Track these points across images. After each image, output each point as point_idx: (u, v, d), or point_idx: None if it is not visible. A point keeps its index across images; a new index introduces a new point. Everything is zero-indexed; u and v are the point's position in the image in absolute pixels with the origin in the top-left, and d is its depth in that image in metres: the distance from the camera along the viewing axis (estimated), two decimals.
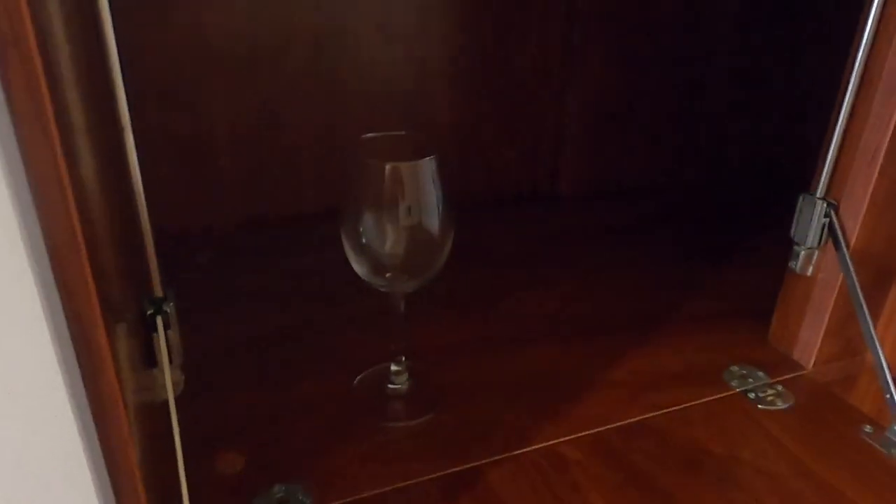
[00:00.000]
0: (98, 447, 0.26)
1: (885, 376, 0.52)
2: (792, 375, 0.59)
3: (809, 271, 0.58)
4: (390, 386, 0.55)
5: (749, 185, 1.01)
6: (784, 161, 0.99)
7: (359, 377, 0.56)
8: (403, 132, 0.48)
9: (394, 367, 0.55)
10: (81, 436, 0.26)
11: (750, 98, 0.98)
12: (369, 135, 0.47)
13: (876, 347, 0.52)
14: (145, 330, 0.38)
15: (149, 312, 0.37)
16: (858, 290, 0.53)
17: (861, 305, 0.53)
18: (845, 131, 0.53)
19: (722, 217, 0.92)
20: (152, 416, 0.38)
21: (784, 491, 0.47)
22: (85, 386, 0.25)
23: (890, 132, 0.51)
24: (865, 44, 0.50)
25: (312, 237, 0.78)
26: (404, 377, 0.55)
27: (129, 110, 0.37)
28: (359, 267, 0.49)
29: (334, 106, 0.79)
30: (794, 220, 0.57)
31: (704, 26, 0.91)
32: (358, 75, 0.79)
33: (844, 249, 0.54)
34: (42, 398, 0.25)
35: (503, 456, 0.49)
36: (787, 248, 0.59)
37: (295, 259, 0.76)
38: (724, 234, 0.86)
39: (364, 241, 0.48)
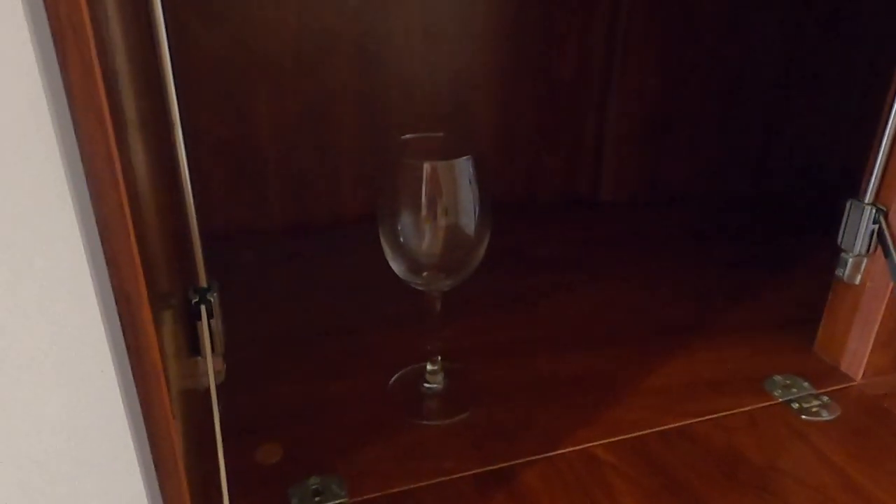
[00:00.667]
0: (143, 424, 0.27)
1: None
2: (839, 387, 0.57)
3: (858, 280, 0.56)
4: (426, 385, 0.56)
5: (794, 192, 0.98)
6: (830, 167, 0.97)
7: (395, 376, 0.57)
8: (442, 133, 0.49)
9: (429, 367, 0.55)
10: (126, 413, 0.27)
11: (793, 104, 0.96)
12: (408, 136, 0.48)
13: None
14: (190, 319, 0.39)
15: (193, 301, 0.39)
16: None
17: None
18: (895, 136, 0.51)
19: (766, 224, 0.90)
20: (194, 402, 0.39)
21: (824, 498, 0.45)
22: (131, 363, 0.26)
23: None
24: None
25: (353, 239, 0.80)
26: (440, 376, 0.55)
27: (179, 111, 0.38)
28: (396, 265, 0.50)
29: (376, 110, 0.80)
30: (842, 227, 0.56)
31: (745, 33, 0.89)
32: (400, 80, 0.80)
33: (895, 257, 0.52)
34: (90, 375, 0.26)
35: (537, 457, 0.49)
36: (834, 256, 0.57)
37: (335, 259, 0.77)
38: (769, 241, 0.85)
39: (401, 239, 0.49)
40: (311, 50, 0.76)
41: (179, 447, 0.29)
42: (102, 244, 0.23)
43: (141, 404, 0.27)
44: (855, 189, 0.55)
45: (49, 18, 0.20)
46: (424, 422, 0.53)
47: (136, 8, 0.34)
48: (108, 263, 0.23)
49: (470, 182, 0.46)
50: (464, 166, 0.46)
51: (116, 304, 0.25)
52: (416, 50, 0.80)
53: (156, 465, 0.27)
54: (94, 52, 0.20)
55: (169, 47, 0.36)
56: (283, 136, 0.79)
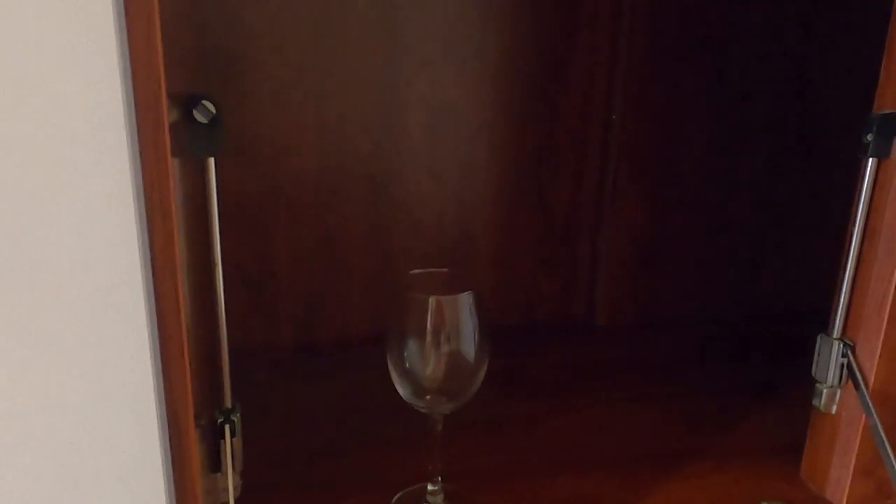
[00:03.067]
0: None
1: None
2: None
3: (833, 409, 0.60)
4: None
5: (779, 321, 1.03)
6: (812, 296, 1.02)
7: (397, 496, 0.59)
8: (446, 269, 0.55)
9: (430, 487, 0.58)
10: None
11: (775, 234, 1.03)
12: (416, 271, 0.54)
13: None
14: (213, 436, 0.43)
15: (219, 420, 0.43)
16: (881, 430, 0.55)
17: (885, 446, 0.55)
18: (854, 278, 0.57)
19: (753, 352, 0.94)
20: None
21: None
22: (174, 478, 0.30)
23: (895, 282, 0.55)
24: (863, 203, 0.56)
25: (360, 361, 0.84)
26: (440, 497, 0.58)
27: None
28: (402, 389, 0.54)
29: (386, 241, 0.88)
30: (815, 359, 0.60)
31: (725, 173, 0.98)
32: (408, 215, 0.88)
33: (864, 389, 0.56)
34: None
35: None
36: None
37: (342, 380, 0.81)
38: (756, 367, 0.88)
39: (407, 365, 0.54)
40: (328, 188, 0.84)
41: None
42: (164, 382, 0.28)
43: None
44: (824, 323, 0.60)
45: (145, 202, 0.26)
46: None
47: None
48: (165, 395, 0.28)
49: (471, 314, 0.52)
50: (466, 300, 0.51)
51: (168, 427, 0.29)
52: (423, 188, 0.88)
53: None
54: (175, 229, 0.26)
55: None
56: (297, 265, 0.85)
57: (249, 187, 0.81)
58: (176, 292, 0.27)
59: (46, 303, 0.26)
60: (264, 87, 0.80)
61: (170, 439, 0.29)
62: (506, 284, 0.95)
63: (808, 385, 0.64)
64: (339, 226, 0.86)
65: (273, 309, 0.87)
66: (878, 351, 0.56)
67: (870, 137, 0.54)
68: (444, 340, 0.52)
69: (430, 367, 0.53)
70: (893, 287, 0.55)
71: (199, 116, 0.37)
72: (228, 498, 0.41)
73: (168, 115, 0.27)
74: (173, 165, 0.29)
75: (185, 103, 0.36)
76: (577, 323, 1.00)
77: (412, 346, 0.52)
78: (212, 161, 0.41)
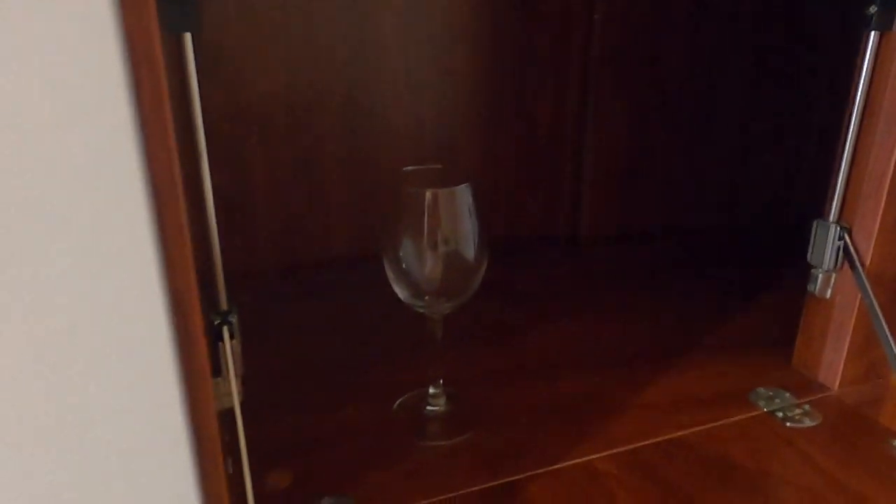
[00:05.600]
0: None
1: None
2: (818, 396, 0.60)
3: (828, 294, 0.60)
4: (428, 408, 0.57)
5: (761, 229, 1.04)
6: (795, 198, 1.03)
7: (398, 401, 0.59)
8: (440, 165, 0.53)
9: (432, 390, 0.57)
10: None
11: (760, 147, 1.03)
12: (410, 167, 0.52)
13: (894, 352, 0.54)
14: (212, 340, 0.41)
15: (216, 322, 0.41)
16: (877, 307, 0.56)
17: (881, 323, 0.56)
18: (852, 159, 0.57)
19: (738, 254, 0.95)
20: None
21: (816, 502, 0.48)
22: (183, 368, 0.28)
23: (894, 159, 0.54)
24: (864, 79, 0.54)
25: (344, 280, 0.82)
26: (442, 399, 0.57)
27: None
28: (400, 290, 0.53)
29: (364, 158, 0.84)
30: (810, 245, 0.60)
31: (706, 77, 0.96)
32: (386, 127, 0.84)
33: (860, 270, 0.57)
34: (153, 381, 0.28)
35: (540, 471, 0.51)
36: (801, 280, 0.61)
37: (329, 299, 0.79)
38: (741, 270, 0.89)
39: (404, 266, 0.52)
40: (302, 101, 0.80)
41: (219, 448, 0.30)
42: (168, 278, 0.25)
43: (189, 405, 0.29)
44: (819, 212, 0.60)
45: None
46: (429, 442, 0.54)
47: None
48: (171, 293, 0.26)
49: (469, 209, 0.50)
50: (464, 193, 0.49)
51: (175, 324, 0.27)
52: (401, 98, 0.84)
53: (198, 454, 0.29)
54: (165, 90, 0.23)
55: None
56: (274, 185, 0.82)
57: (218, 110, 0.77)
58: (169, 151, 0.25)
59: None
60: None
61: (177, 330, 0.27)
62: (488, 197, 0.93)
63: (790, 286, 0.64)
64: (314, 144, 0.82)
65: (252, 232, 0.83)
66: (875, 232, 0.56)
67: (873, 9, 0.52)
68: (442, 236, 0.50)
69: (428, 266, 0.51)
70: (892, 166, 0.54)
71: None
72: (233, 402, 0.39)
73: None
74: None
75: None
76: (560, 236, 0.99)
77: (409, 244, 0.50)
78: (188, 37, 0.37)
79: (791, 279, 0.79)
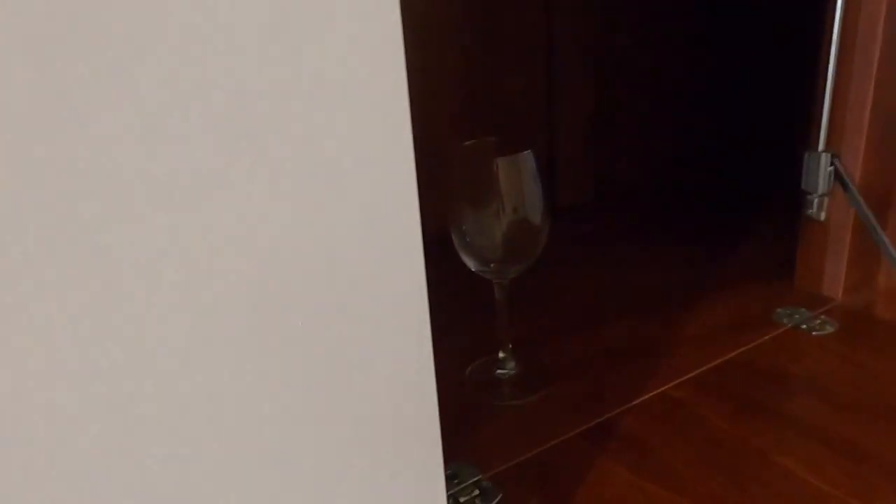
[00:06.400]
0: None
1: None
2: (828, 307, 0.68)
3: (823, 216, 0.68)
4: (499, 371, 0.60)
5: (735, 177, 1.13)
6: (761, 153, 1.13)
7: (470, 367, 0.61)
8: (493, 138, 0.55)
9: (501, 354, 0.60)
10: None
11: (722, 99, 1.11)
12: (468, 142, 0.54)
13: (893, 254, 0.62)
14: None
15: None
16: (872, 218, 0.63)
17: (877, 231, 0.63)
18: (833, 92, 0.64)
19: (721, 203, 1.03)
20: None
21: (857, 385, 0.55)
22: None
23: (872, 88, 0.62)
24: (838, 17, 0.62)
25: None
26: (511, 363, 0.60)
27: None
28: (468, 260, 0.55)
29: None
30: (804, 175, 0.67)
31: (667, 38, 1.04)
32: None
33: (853, 189, 0.64)
34: None
35: (624, 407, 0.55)
36: (783, 209, 0.69)
37: None
38: (727, 210, 0.97)
39: (468, 239, 0.54)
40: None
41: None
42: None
43: None
44: (796, 144, 0.67)
45: None
46: (508, 402, 0.57)
47: None
48: None
49: (533, 174, 0.53)
50: (528, 159, 0.52)
51: None
52: None
53: None
54: None
55: None
56: None
57: None
58: None
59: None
60: None
61: None
62: None
63: (774, 217, 0.71)
64: None
65: None
66: (861, 153, 0.64)
67: None
68: (511, 203, 0.53)
69: (498, 233, 0.54)
70: (871, 94, 0.62)
71: None
72: None
73: None
74: None
75: None
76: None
77: (478, 215, 0.53)
78: None
79: (773, 211, 0.87)
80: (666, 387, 0.57)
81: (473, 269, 0.56)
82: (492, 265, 0.55)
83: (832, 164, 0.65)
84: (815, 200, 0.67)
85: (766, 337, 0.63)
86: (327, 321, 0.28)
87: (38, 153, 0.21)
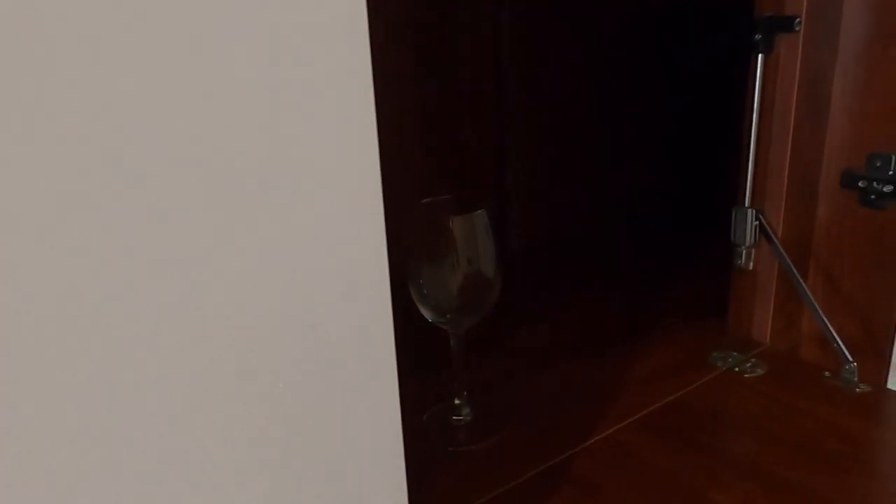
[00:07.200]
0: None
1: (831, 332, 0.67)
2: (758, 350, 0.73)
3: (751, 266, 0.74)
4: (455, 417, 0.62)
5: (670, 227, 1.19)
6: (690, 204, 1.20)
7: (426, 414, 0.63)
8: (450, 196, 0.59)
9: (457, 401, 0.62)
10: None
11: (659, 155, 1.19)
12: (426, 200, 0.57)
13: (817, 308, 0.68)
14: None
15: None
16: (794, 268, 0.69)
17: (798, 280, 0.69)
18: (756, 155, 0.70)
19: (665, 250, 1.09)
20: None
21: (786, 424, 0.60)
22: None
23: (788, 152, 0.68)
24: (757, 90, 0.68)
25: None
26: (467, 409, 0.62)
27: None
28: (426, 312, 0.58)
29: None
30: (733, 228, 0.73)
31: (617, 98, 1.11)
32: None
33: (776, 241, 0.70)
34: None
35: (573, 451, 0.58)
36: (718, 255, 0.75)
37: None
38: (670, 259, 1.03)
39: (425, 291, 0.57)
40: None
41: None
42: None
43: None
44: (728, 200, 0.73)
45: None
46: (461, 448, 0.59)
47: None
48: None
49: (486, 230, 0.56)
50: (481, 217, 0.56)
51: None
52: None
53: None
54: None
55: None
56: None
57: None
58: None
59: None
60: None
61: None
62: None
63: (707, 262, 0.77)
64: None
65: None
66: (782, 210, 0.70)
67: (758, 37, 0.66)
68: (465, 258, 0.56)
69: (454, 287, 0.57)
70: (788, 157, 0.68)
71: None
72: None
73: None
74: None
75: None
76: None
77: (435, 269, 0.56)
78: None
79: (707, 257, 0.93)
80: (612, 429, 0.60)
81: (430, 321, 0.58)
82: (448, 316, 0.58)
83: (757, 219, 0.71)
84: (744, 252, 0.73)
85: (704, 379, 0.68)
86: (305, 383, 0.30)
87: (47, 241, 0.23)
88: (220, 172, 0.26)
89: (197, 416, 0.27)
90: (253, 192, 0.27)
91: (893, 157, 0.66)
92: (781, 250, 0.70)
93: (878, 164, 0.67)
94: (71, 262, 0.24)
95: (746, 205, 0.72)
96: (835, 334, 0.67)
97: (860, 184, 0.68)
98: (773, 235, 0.71)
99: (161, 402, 0.26)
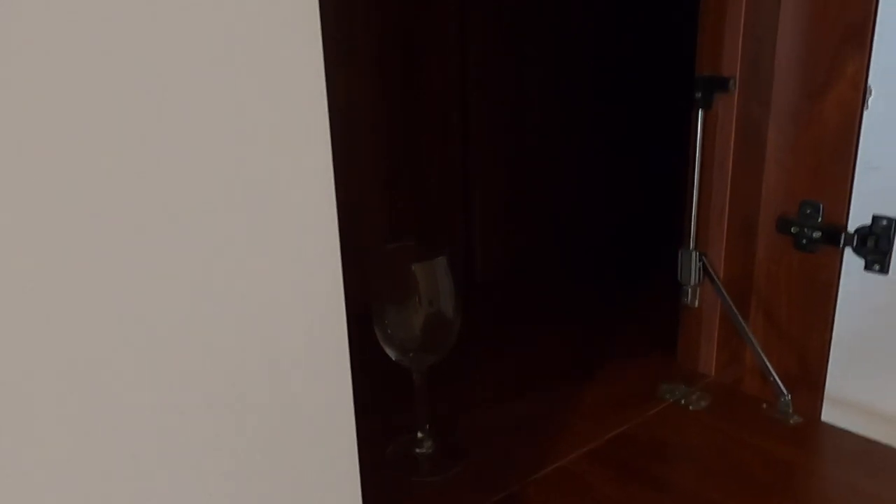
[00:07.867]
0: None
1: (767, 366, 0.72)
2: (704, 383, 0.78)
3: (696, 303, 0.79)
4: (418, 450, 0.66)
5: (630, 263, 1.25)
6: (647, 237, 1.26)
7: (389, 448, 0.67)
8: (413, 242, 0.63)
9: (419, 435, 0.66)
10: None
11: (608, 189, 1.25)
12: (391, 245, 0.62)
13: (755, 344, 0.73)
14: None
15: None
16: (733, 307, 0.75)
17: (737, 318, 0.75)
18: (698, 201, 0.76)
19: (619, 284, 1.14)
20: None
21: (725, 454, 0.64)
22: None
23: (727, 199, 0.74)
24: (698, 142, 0.74)
25: None
26: (430, 443, 0.66)
27: None
28: (390, 351, 0.62)
29: None
30: (679, 268, 0.78)
31: (573, 138, 1.16)
32: None
33: (718, 282, 0.76)
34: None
35: (527, 481, 0.62)
36: (667, 290, 0.80)
37: None
38: (624, 293, 1.08)
39: (390, 331, 0.61)
40: None
41: None
42: None
43: None
44: (674, 245, 0.78)
45: None
46: (432, 478, 0.63)
47: None
48: None
49: (446, 273, 0.60)
50: (441, 263, 0.60)
51: None
52: None
53: None
54: None
55: None
56: None
57: None
58: None
59: None
60: None
61: None
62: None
63: (656, 297, 0.83)
64: None
65: None
66: (723, 254, 0.76)
67: (698, 95, 0.72)
68: (426, 300, 0.60)
69: (416, 327, 0.61)
70: (727, 204, 0.74)
71: None
72: None
73: None
74: None
75: None
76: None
77: (398, 311, 0.60)
78: None
79: (658, 293, 0.98)
80: (564, 460, 0.64)
81: (394, 359, 0.62)
82: (410, 354, 0.62)
83: (701, 260, 0.77)
84: (689, 290, 0.78)
85: (652, 411, 0.72)
86: (266, 417, 0.34)
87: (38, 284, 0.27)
88: (176, 215, 0.30)
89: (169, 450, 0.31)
90: (209, 234, 0.30)
91: (822, 206, 0.72)
92: (723, 290, 0.75)
93: (808, 212, 0.73)
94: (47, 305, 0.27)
95: (691, 247, 0.77)
96: (771, 368, 0.72)
97: (792, 230, 0.74)
98: (715, 276, 0.76)
99: (129, 431, 0.30)
